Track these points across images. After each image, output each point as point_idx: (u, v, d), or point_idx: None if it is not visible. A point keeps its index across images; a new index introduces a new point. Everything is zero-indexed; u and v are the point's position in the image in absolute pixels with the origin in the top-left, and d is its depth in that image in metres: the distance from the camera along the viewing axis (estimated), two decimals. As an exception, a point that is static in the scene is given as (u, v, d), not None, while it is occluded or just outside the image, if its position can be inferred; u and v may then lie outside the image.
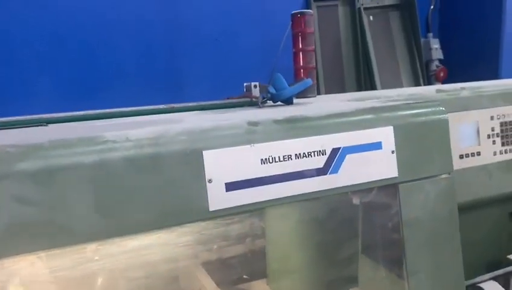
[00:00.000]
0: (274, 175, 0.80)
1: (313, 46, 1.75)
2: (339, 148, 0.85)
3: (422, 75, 3.41)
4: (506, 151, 1.84)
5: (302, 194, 0.81)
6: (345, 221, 1.07)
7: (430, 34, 3.70)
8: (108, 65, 2.68)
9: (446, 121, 0.97)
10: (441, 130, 0.95)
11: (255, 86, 1.44)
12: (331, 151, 0.84)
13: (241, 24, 2.99)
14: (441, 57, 3.68)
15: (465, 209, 1.83)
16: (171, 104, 1.36)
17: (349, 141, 0.85)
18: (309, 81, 1.31)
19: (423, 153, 0.93)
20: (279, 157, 0.80)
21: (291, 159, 0.81)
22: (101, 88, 2.64)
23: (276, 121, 0.81)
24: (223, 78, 2.88)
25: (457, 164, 1.74)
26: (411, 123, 0.92)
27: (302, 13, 1.72)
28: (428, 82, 3.64)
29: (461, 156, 1.74)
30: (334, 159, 0.84)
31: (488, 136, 1.80)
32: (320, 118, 0.85)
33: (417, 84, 3.42)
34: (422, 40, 3.67)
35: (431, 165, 0.93)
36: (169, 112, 1.29)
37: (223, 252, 1.09)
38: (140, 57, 2.77)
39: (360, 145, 0.86)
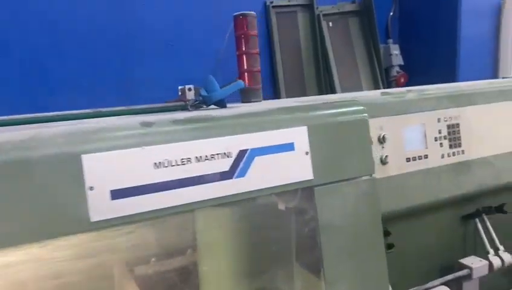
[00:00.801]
0: (170, 181, 0.71)
1: (257, 49, 1.67)
2: (246, 150, 0.76)
3: (382, 79, 3.38)
4: (454, 154, 1.78)
5: (204, 200, 0.73)
6: (274, 227, 0.98)
7: (390, 40, 3.68)
8: (58, 72, 2.56)
9: (366, 121, 0.89)
10: (361, 130, 0.88)
11: (189, 89, 1.35)
12: (238, 154, 0.76)
13: (196, 28, 2.91)
14: (401, 62, 3.66)
15: (415, 213, 1.77)
16: (99, 109, 1.26)
17: (258, 142, 0.77)
18: (240, 83, 1.23)
19: (341, 154, 0.85)
20: (176, 160, 0.71)
21: (190, 162, 0.72)
22: (50, 95, 2.52)
23: (175, 121, 0.73)
24: (178, 83, 2.78)
25: (404, 168, 1.68)
26: (327, 123, 0.85)
27: (244, 15, 1.64)
28: (389, 87, 3.61)
29: (408, 159, 1.68)
30: (241, 162, 0.76)
31: (435, 139, 1.75)
32: (226, 118, 0.77)
33: (377, 88, 3.39)
34: (382, 46, 3.65)
35: (350, 167, 0.86)
36: (96, 117, 1.19)
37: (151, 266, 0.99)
38: (91, 63, 2.65)
39: (270, 146, 0.78)
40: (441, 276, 1.82)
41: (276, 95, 3.21)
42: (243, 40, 1.65)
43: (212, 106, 1.31)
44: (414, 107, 1.70)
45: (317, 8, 3.26)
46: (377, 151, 1.62)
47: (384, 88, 3.40)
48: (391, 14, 3.66)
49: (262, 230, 0.91)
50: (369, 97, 1.66)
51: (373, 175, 0.88)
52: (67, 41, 2.58)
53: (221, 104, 1.27)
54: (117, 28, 2.74)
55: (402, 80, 3.63)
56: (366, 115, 0.91)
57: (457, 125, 1.79)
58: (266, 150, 0.77)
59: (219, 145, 0.74)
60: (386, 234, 1.68)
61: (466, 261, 1.85)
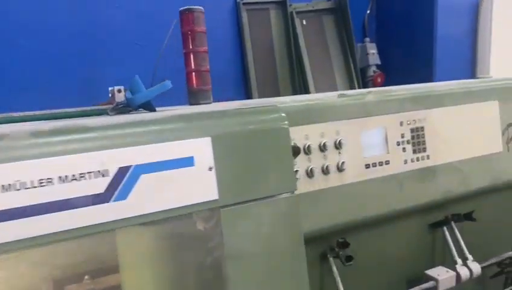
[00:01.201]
0: (23, 207, 0.56)
1: (205, 47, 1.53)
2: (129, 166, 0.62)
3: (357, 79, 3.24)
4: (418, 159, 1.65)
5: (69, 230, 0.58)
6: (170, 258, 0.82)
7: (367, 39, 3.54)
8: (12, 70, 2.40)
9: (285, 130, 0.75)
10: (279, 141, 0.73)
11: (119, 91, 1.21)
12: (117, 171, 0.61)
13: (164, 27, 2.75)
14: (378, 62, 3.53)
15: (377, 223, 1.64)
16: (10, 113, 1.12)
17: (146, 157, 0.63)
18: (168, 84, 1.08)
19: (255, 169, 0.71)
20: (32, 182, 0.57)
21: (52, 184, 0.58)
22: (3, 95, 2.36)
23: (34, 134, 0.58)
24: (146, 84, 2.64)
25: (363, 174, 1.55)
26: (237, 133, 0.70)
27: (190, 10, 1.50)
28: (366, 87, 3.48)
29: (367, 166, 1.54)
30: (122, 182, 0.61)
31: (398, 144, 1.61)
32: (104, 128, 0.62)
33: (352, 88, 3.26)
34: (359, 45, 3.52)
35: (266, 184, 0.71)
36: (4, 123, 1.05)
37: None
38: (51, 62, 2.49)
39: (162, 161, 0.64)
40: (410, 287, 1.69)
41: (248, 96, 3.07)
42: (189, 37, 1.51)
43: (141, 110, 1.17)
44: (374, 110, 1.57)
45: (290, 5, 3.12)
46: (333, 158, 1.48)
47: (360, 88, 3.27)
48: (368, 12, 3.53)
49: (154, 262, 0.76)
50: (325, 100, 1.52)
51: (295, 192, 0.74)
52: (23, 38, 2.42)
53: (149, 107, 1.12)
54: (79, 25, 2.58)
55: (379, 80, 3.50)
56: (287, 122, 0.77)
57: (422, 128, 1.66)
58: (156, 166, 0.63)
59: (91, 161, 0.60)
60: (345, 245, 1.54)
61: (432, 272, 1.72)
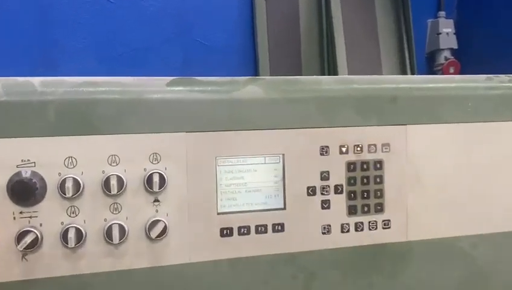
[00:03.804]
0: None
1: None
2: None
3: (411, 65, 2.24)
4: (358, 228, 0.77)
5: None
6: None
7: (442, 13, 2.47)
8: None
9: None
10: None
11: None
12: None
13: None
14: (454, 46, 2.45)
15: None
16: None
17: None
18: None
19: None
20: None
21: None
22: None
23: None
24: (117, 51, 2.00)
25: (215, 253, 0.73)
26: None
27: None
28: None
29: (225, 233, 0.72)
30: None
31: (312, 192, 0.75)
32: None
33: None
34: (429, 21, 2.49)
35: None
36: None
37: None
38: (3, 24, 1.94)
39: None
40: None
41: (256, 73, 2.28)
42: None
43: None
44: (253, 119, 0.72)
45: (325, -41, 2.22)
46: (140, 208, 0.69)
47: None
48: (447, -25, 2.45)
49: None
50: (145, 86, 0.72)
51: None
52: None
53: None
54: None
55: (452, 71, 2.44)
56: None
57: (378, 164, 0.76)
58: None
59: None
60: None
61: None
